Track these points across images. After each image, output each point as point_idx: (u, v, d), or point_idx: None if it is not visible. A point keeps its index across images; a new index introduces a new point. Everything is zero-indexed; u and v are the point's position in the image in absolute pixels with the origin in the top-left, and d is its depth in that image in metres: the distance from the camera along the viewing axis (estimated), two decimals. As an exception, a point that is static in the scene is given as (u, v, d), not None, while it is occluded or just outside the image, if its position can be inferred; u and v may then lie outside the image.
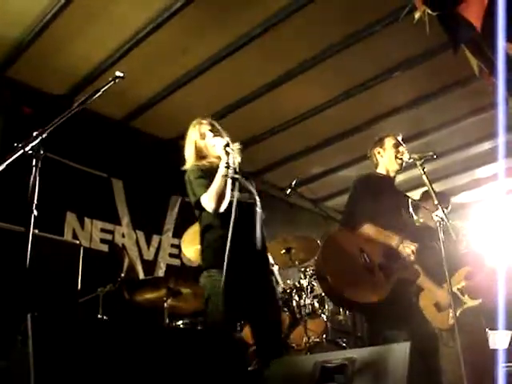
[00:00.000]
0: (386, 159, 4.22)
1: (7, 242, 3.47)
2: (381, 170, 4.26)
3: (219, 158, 3.57)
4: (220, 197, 3.45)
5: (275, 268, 4.00)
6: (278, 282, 4.08)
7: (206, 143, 3.79)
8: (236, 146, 3.69)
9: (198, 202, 3.57)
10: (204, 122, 3.88)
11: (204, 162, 3.77)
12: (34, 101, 5.74)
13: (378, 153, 4.28)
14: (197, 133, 3.84)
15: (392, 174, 4.21)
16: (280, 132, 7.14)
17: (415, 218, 4.33)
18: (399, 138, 4.26)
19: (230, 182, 3.45)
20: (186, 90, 6.16)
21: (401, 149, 4.19)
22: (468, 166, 8.50)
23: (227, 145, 3.52)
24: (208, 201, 3.49)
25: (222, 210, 3.47)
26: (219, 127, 3.89)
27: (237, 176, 3.50)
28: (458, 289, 4.48)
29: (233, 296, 3.33)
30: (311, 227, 7.72)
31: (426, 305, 4.35)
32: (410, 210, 4.20)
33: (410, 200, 4.23)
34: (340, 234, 4.09)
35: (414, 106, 6.78)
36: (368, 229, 3.87)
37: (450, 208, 5.15)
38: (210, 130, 3.81)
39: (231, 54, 5.63)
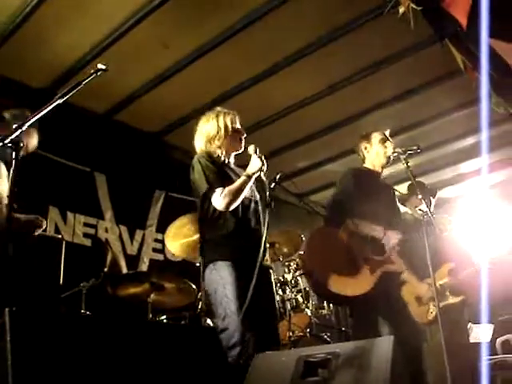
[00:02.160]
0: (373, 154, 4.23)
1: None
2: (367, 165, 4.27)
3: (231, 154, 3.76)
4: (235, 198, 3.50)
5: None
6: None
7: (233, 137, 3.80)
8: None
9: (208, 194, 3.55)
10: (236, 115, 3.90)
11: (217, 152, 3.77)
12: (15, 94, 5.68)
13: (365, 148, 4.29)
14: (233, 122, 3.83)
15: (379, 169, 4.22)
16: (264, 126, 7.11)
17: (404, 210, 4.33)
18: (386, 133, 4.27)
19: (247, 188, 3.54)
20: (169, 83, 6.12)
21: (387, 144, 4.20)
22: (452, 160, 8.53)
23: (263, 162, 3.55)
24: (221, 199, 3.49)
25: (230, 209, 3.51)
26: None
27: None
28: (440, 285, 4.49)
29: (241, 288, 3.34)
30: (295, 222, 7.72)
31: (407, 298, 4.35)
32: (397, 203, 4.21)
33: (396, 193, 4.23)
34: (325, 229, 4.09)
35: (399, 101, 6.79)
36: (352, 222, 3.87)
37: (435, 200, 5.17)
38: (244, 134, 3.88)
39: (215, 48, 5.60)
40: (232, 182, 3.58)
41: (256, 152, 3.56)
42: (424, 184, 5.15)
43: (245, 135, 3.85)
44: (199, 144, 3.85)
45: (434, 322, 3.88)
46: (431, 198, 5.05)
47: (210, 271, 3.52)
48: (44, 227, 3.82)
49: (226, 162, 3.83)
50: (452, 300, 4.41)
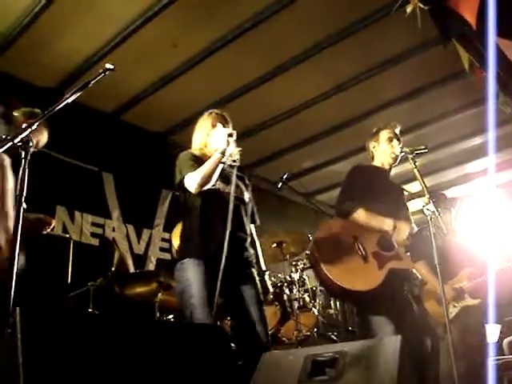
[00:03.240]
0: (381, 152, 4.22)
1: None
2: (376, 163, 4.26)
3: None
4: (206, 178, 3.43)
5: (266, 274, 3.96)
6: (267, 289, 3.99)
7: (212, 135, 3.77)
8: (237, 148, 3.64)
9: (182, 181, 3.52)
10: (217, 113, 3.86)
11: (202, 152, 3.73)
12: (23, 94, 5.69)
13: (373, 147, 4.28)
14: (208, 122, 3.81)
15: (387, 167, 4.21)
16: (271, 126, 7.13)
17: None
18: (396, 131, 4.25)
19: (219, 168, 3.46)
20: (176, 84, 6.14)
21: (394, 143, 4.19)
22: (459, 160, 8.52)
23: (231, 135, 3.54)
24: (193, 179, 3.45)
25: (202, 189, 3.45)
26: (230, 122, 3.86)
27: (227, 166, 3.55)
28: (460, 287, 4.50)
29: (211, 289, 3.23)
30: (302, 221, 7.74)
31: (428, 298, 4.37)
32: (406, 202, 4.19)
33: (405, 193, 4.22)
34: (333, 222, 4.07)
35: (405, 101, 6.79)
36: (361, 214, 3.86)
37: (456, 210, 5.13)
38: (221, 123, 3.80)
39: (221, 48, 5.62)
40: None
41: (230, 136, 3.54)
42: (445, 196, 5.15)
43: (233, 133, 3.66)
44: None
45: (453, 321, 3.88)
46: (452, 209, 5.03)
47: (177, 270, 3.48)
48: (53, 225, 3.83)
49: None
50: (470, 302, 4.42)
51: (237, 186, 3.63)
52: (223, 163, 3.51)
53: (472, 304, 4.41)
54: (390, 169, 4.23)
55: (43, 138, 3.60)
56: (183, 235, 3.67)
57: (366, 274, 3.68)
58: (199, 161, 3.58)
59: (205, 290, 3.29)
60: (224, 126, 3.77)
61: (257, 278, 3.66)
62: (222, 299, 3.33)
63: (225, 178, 3.60)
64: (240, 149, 3.57)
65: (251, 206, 3.85)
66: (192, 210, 3.58)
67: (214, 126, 3.78)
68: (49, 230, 3.78)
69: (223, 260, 3.17)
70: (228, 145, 3.50)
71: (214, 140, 3.74)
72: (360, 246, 3.77)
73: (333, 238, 3.85)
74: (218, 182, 3.53)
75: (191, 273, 3.37)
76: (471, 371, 3.78)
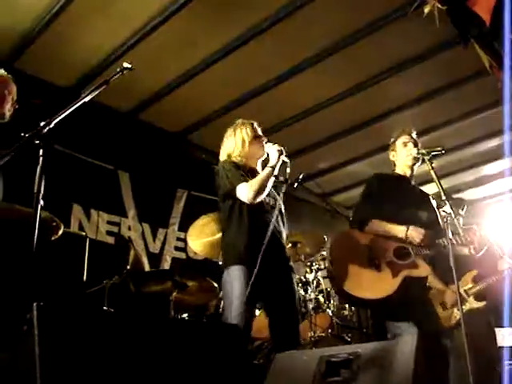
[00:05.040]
0: (399, 159, 4.23)
1: (14, 233, 3.47)
2: (398, 171, 4.26)
3: (256, 161, 3.93)
4: (261, 189, 3.62)
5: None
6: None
7: (254, 145, 3.93)
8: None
9: (232, 191, 3.68)
10: (253, 123, 4.04)
11: (243, 161, 3.89)
12: (41, 92, 5.74)
13: (393, 156, 4.30)
14: (250, 132, 3.97)
15: (408, 173, 4.19)
16: (288, 126, 7.11)
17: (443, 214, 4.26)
18: (413, 134, 4.24)
19: (272, 180, 3.68)
20: (193, 83, 6.14)
21: (409, 146, 4.17)
22: (475, 162, 8.46)
23: (281, 152, 3.75)
24: (247, 191, 3.61)
25: (256, 201, 3.63)
26: None
27: (278, 182, 3.79)
28: (464, 290, 4.49)
29: (255, 291, 3.42)
30: (317, 222, 7.73)
31: (434, 304, 4.36)
32: (434, 206, 4.14)
33: (431, 198, 4.17)
34: (348, 233, 4.10)
35: (423, 102, 6.76)
36: (375, 224, 3.87)
37: (464, 212, 5.11)
38: (259, 134, 4.01)
39: (239, 48, 5.62)
40: None
41: (281, 154, 3.74)
42: (462, 200, 5.14)
43: (265, 140, 3.94)
44: (222, 157, 3.99)
45: (457, 326, 3.86)
46: (460, 210, 5.01)
47: (225, 275, 3.64)
48: (60, 233, 3.80)
49: (251, 169, 3.93)
50: (475, 305, 4.40)
51: (273, 197, 3.91)
52: (276, 177, 3.74)
53: (476, 307, 4.40)
54: (412, 174, 4.20)
55: (12, 91, 3.57)
56: (228, 242, 3.78)
57: (379, 283, 3.70)
58: (243, 170, 3.77)
59: (245, 296, 3.42)
60: (260, 138, 3.97)
61: (295, 283, 3.83)
62: (262, 303, 3.68)
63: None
64: (288, 166, 3.78)
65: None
66: (240, 218, 3.71)
67: (255, 136, 3.96)
68: (57, 236, 3.76)
69: (257, 264, 3.37)
70: (278, 161, 3.71)
71: (255, 151, 3.93)
72: (374, 256, 3.78)
73: (347, 247, 3.91)
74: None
75: (236, 280, 3.52)
76: (481, 376, 3.76)
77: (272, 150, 3.80)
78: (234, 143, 3.95)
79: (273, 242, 3.56)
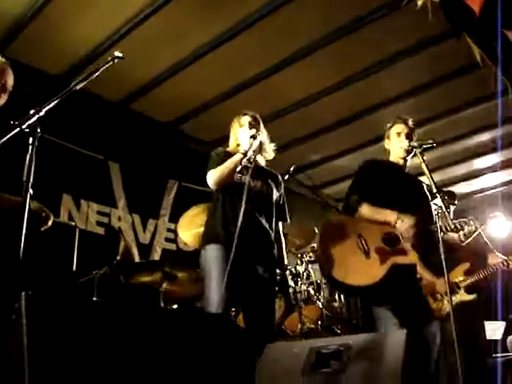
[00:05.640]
0: (392, 148, 4.21)
1: (3, 222, 3.45)
2: (392, 159, 4.25)
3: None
4: (223, 177, 3.72)
5: (288, 271, 4.09)
6: (287, 285, 4.26)
7: (239, 133, 4.02)
8: (271, 145, 4.11)
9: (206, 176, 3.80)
10: (248, 113, 4.10)
11: (235, 150, 3.94)
12: (32, 80, 5.69)
13: (387, 143, 4.29)
14: (240, 121, 4.07)
15: (400, 162, 4.18)
16: (279, 118, 7.09)
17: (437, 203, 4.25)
18: (409, 123, 4.22)
19: (239, 168, 3.71)
20: (184, 74, 6.12)
21: (402, 137, 4.16)
22: (467, 156, 8.48)
23: (253, 136, 3.80)
24: (211, 176, 3.76)
25: (219, 187, 3.76)
26: (261, 124, 4.10)
27: (250, 165, 3.73)
28: (455, 282, 4.50)
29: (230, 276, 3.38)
30: (307, 214, 7.71)
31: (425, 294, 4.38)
32: (427, 195, 4.13)
33: (425, 186, 4.16)
34: (337, 219, 4.11)
35: (413, 95, 6.76)
36: (366, 209, 3.86)
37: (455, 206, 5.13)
38: (250, 123, 4.01)
39: (230, 39, 5.60)
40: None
41: (252, 138, 3.81)
42: (453, 193, 5.16)
43: (255, 135, 3.91)
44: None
45: (447, 317, 3.87)
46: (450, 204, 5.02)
47: (201, 256, 3.72)
48: (50, 223, 3.78)
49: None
50: (466, 297, 4.41)
51: (266, 183, 3.95)
52: (250, 163, 3.74)
53: (467, 299, 4.41)
54: (404, 163, 4.19)
55: (10, 79, 3.53)
56: (205, 225, 3.94)
57: (366, 269, 3.67)
58: (228, 156, 3.83)
59: (223, 276, 3.40)
60: (253, 127, 3.98)
61: (275, 271, 3.92)
62: (236, 285, 3.53)
63: (253, 173, 3.78)
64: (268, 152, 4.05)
65: (281, 203, 4.15)
66: (216, 203, 3.84)
67: (241, 125, 4.04)
68: (47, 226, 3.74)
69: (234, 246, 3.33)
70: (250, 146, 3.75)
71: (241, 139, 3.98)
72: (363, 242, 3.76)
73: (336, 233, 3.86)
74: (245, 177, 3.71)
75: (211, 259, 3.61)
76: (471, 368, 3.78)
77: (244, 135, 3.90)
78: (231, 133, 4.12)
79: (252, 228, 3.65)
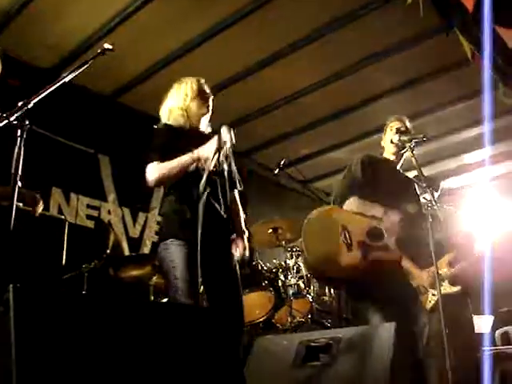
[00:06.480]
0: (385, 143, 4.22)
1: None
2: (385, 154, 4.25)
3: (199, 119, 3.56)
4: (168, 177, 3.35)
5: (245, 235, 3.78)
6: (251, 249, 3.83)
7: (197, 101, 3.62)
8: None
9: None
10: (204, 82, 3.70)
11: (180, 122, 3.60)
12: (20, 73, 5.65)
13: (382, 139, 4.30)
14: (195, 86, 3.66)
15: (393, 159, 4.19)
16: (269, 112, 7.10)
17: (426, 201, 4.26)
18: (405, 121, 4.23)
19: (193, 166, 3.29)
20: (175, 66, 6.09)
21: (393, 132, 4.17)
22: (456, 151, 8.50)
23: (226, 132, 3.14)
24: (151, 172, 3.39)
25: (159, 186, 3.46)
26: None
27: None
28: (439, 274, 4.51)
29: (191, 268, 3.13)
30: (298, 208, 7.71)
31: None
32: (417, 192, 4.14)
33: (416, 183, 4.17)
34: (323, 210, 4.07)
35: (404, 90, 6.77)
36: (353, 202, 3.86)
37: (439, 193, 5.15)
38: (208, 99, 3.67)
39: (220, 32, 5.59)
40: (188, 150, 3.33)
41: (222, 134, 3.12)
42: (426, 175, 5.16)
43: (211, 97, 3.65)
44: (162, 115, 3.77)
45: (433, 310, 3.88)
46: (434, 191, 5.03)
47: (161, 250, 3.38)
48: (41, 206, 3.77)
49: (192, 127, 3.63)
50: (449, 290, 4.42)
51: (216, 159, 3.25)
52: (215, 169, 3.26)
53: (451, 292, 4.42)
54: (397, 159, 4.19)
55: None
56: (163, 217, 3.64)
57: (347, 262, 3.67)
58: (176, 135, 3.48)
59: (188, 271, 3.18)
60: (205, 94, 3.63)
61: (235, 259, 3.55)
62: (201, 278, 3.19)
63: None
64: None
65: (233, 172, 3.73)
66: (168, 193, 3.52)
67: (200, 92, 3.64)
68: (39, 211, 3.74)
69: (199, 239, 2.89)
70: (213, 157, 3.10)
71: (198, 107, 3.62)
72: (347, 235, 3.75)
73: (321, 225, 3.84)
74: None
75: (175, 254, 3.28)
76: (459, 361, 3.79)
77: (212, 144, 3.16)
78: (175, 99, 3.68)
79: (209, 215, 3.19)
